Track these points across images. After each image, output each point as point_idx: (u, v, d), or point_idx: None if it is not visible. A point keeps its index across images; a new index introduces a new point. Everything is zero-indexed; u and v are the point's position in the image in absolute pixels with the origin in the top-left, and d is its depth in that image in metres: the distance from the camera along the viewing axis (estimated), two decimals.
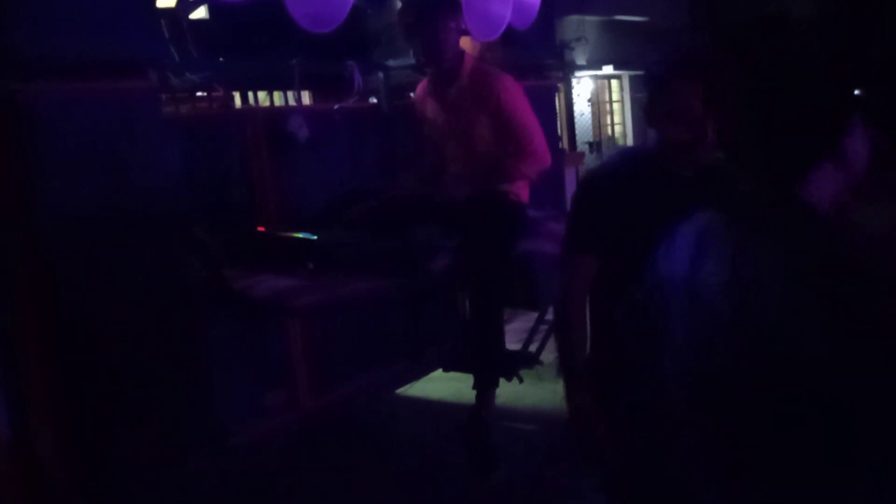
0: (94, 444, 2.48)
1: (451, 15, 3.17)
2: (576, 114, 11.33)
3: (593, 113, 12.40)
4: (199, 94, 3.46)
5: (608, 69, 12.50)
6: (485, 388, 3.17)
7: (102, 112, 2.47)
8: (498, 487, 3.08)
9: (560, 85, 4.73)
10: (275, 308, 2.69)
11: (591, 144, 11.66)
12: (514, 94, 3.15)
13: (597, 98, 12.60)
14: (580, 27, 11.27)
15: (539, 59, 4.50)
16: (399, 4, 3.94)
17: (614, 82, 13.16)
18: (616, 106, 13.31)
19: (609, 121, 13.20)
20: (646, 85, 1.80)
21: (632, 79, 13.22)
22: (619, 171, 1.91)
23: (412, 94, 3.83)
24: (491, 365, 3.21)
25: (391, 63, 3.92)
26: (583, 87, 11.73)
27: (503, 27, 3.63)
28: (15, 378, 2.39)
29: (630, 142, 13.40)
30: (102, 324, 2.46)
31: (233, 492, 2.83)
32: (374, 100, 3.95)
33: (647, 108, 1.83)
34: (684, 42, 1.82)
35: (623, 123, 13.38)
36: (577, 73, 11.16)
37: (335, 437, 3.52)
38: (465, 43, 3.44)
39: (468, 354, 3.34)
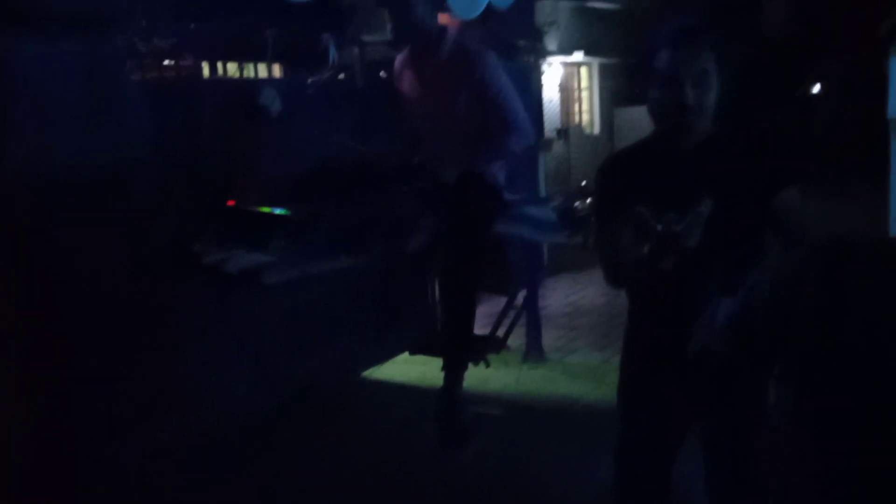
0: (60, 412, 2.40)
1: None
2: (544, 100, 11.32)
3: (562, 100, 12.39)
4: (167, 61, 3.34)
5: (578, 56, 12.49)
6: (454, 370, 3.14)
7: (70, 67, 2.38)
8: (467, 468, 3.06)
9: (535, 67, 4.69)
10: (245, 284, 2.62)
11: (558, 131, 11.65)
12: (497, 69, 3.10)
13: (566, 84, 12.59)
14: (553, 12, 11.23)
15: (518, 40, 4.45)
16: None
17: (583, 69, 13.16)
18: (584, 94, 13.32)
19: (577, 108, 13.21)
20: (648, 59, 1.75)
21: (601, 66, 13.23)
22: (633, 154, 1.92)
23: (383, 73, 3.76)
24: (462, 347, 3.18)
25: (367, 38, 3.84)
26: (553, 72, 11.71)
27: (483, 5, 3.57)
28: None
29: (597, 130, 13.44)
30: (65, 287, 2.38)
31: (198, 467, 2.76)
32: (342, 75, 3.86)
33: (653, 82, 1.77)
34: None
35: (591, 112, 13.40)
36: (548, 59, 11.13)
37: (300, 417, 3.46)
38: (444, 20, 3.37)
39: (439, 337, 3.31)
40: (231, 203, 3.04)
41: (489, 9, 3.70)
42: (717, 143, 1.79)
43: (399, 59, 3.44)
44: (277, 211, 2.81)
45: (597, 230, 1.89)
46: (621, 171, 1.90)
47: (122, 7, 2.60)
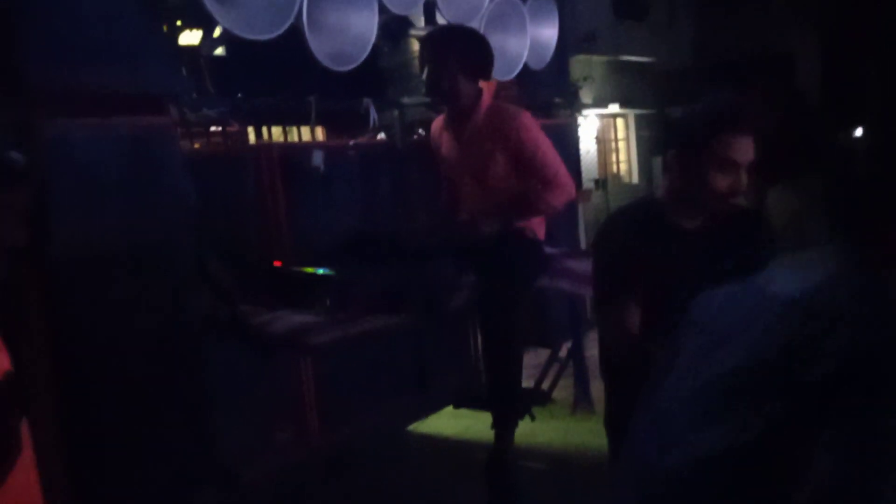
0: (100, 482, 2.44)
1: (467, 54, 3.19)
2: (582, 151, 11.39)
3: (599, 150, 12.46)
4: (214, 129, 3.47)
5: (614, 108, 12.60)
6: (505, 426, 3.13)
7: (122, 147, 2.48)
8: None
9: (572, 123, 4.76)
10: (291, 345, 2.67)
11: (597, 182, 11.68)
12: (534, 129, 3.16)
13: (602, 136, 12.68)
14: (587, 66, 11.38)
15: (553, 98, 4.53)
16: (415, 42, 3.98)
17: (619, 121, 13.26)
18: (622, 144, 13.39)
19: (615, 158, 13.26)
20: (685, 134, 1.77)
21: (637, 117, 13.32)
22: (631, 223, 1.90)
23: (421, 132, 3.85)
24: (511, 404, 3.18)
25: (406, 100, 3.94)
26: (589, 124, 11.81)
27: (520, 66, 3.66)
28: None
29: (636, 179, 13.44)
30: (115, 360, 2.44)
31: None
32: (382, 136, 3.96)
33: (686, 159, 1.79)
34: (720, 90, 1.81)
35: (628, 161, 13.44)
36: (584, 112, 11.24)
37: (344, 474, 3.47)
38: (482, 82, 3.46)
39: (484, 392, 3.31)
40: (278, 264, 3.11)
41: (525, 69, 3.79)
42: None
43: (437, 120, 3.52)
44: (321, 271, 2.87)
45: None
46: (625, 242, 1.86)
47: (173, 83, 2.71)
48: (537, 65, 3.90)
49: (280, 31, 2.76)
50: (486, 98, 3.28)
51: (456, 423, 4.15)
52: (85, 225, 2.37)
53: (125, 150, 2.49)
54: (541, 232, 3.34)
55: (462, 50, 3.18)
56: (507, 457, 3.10)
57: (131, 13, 2.47)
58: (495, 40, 3.55)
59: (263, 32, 2.71)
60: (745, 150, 1.73)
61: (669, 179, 1.84)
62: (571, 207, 4.40)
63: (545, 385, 3.81)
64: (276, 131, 4.08)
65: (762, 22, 12.69)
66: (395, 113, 3.88)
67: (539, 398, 3.69)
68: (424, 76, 3.24)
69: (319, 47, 2.79)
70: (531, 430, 3.82)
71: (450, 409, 3.99)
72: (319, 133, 4.29)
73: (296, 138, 4.38)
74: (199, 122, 3.20)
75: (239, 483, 2.90)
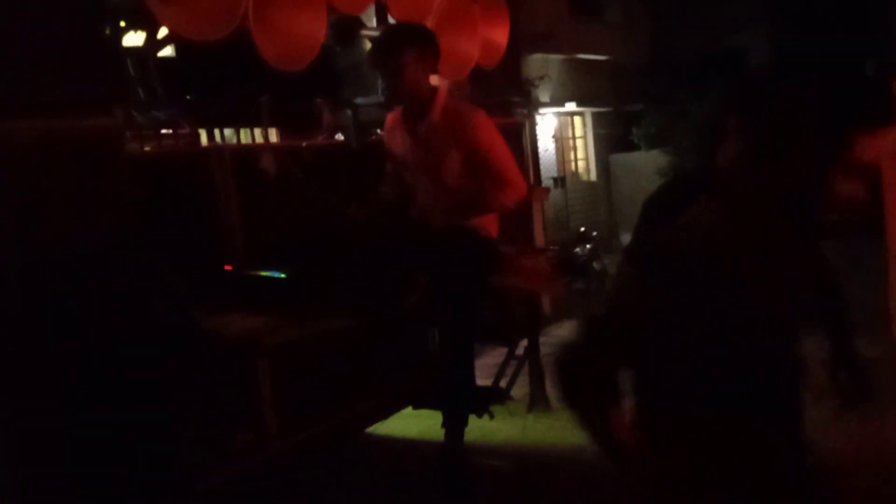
0: (55, 493, 2.39)
1: (421, 52, 3.20)
2: (540, 150, 11.47)
3: (557, 149, 12.56)
4: (164, 131, 3.42)
5: (571, 106, 12.70)
6: (455, 426, 3.14)
7: (66, 151, 2.43)
8: None
9: (525, 122, 4.78)
10: (246, 347, 2.64)
11: (555, 179, 11.78)
12: (487, 128, 3.19)
13: (560, 134, 12.77)
14: (544, 65, 11.46)
15: (505, 97, 4.56)
16: (367, 43, 3.97)
17: (577, 119, 13.37)
18: (579, 142, 13.50)
19: (573, 156, 13.37)
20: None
21: (594, 115, 13.44)
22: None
23: (379, 131, 3.84)
24: (462, 402, 3.18)
25: (360, 100, 3.93)
26: (546, 123, 11.89)
27: (471, 66, 3.67)
28: None
29: (594, 177, 13.57)
30: (63, 368, 2.40)
31: None
32: (340, 136, 3.95)
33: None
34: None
35: (586, 158, 13.56)
36: (541, 110, 11.32)
37: (303, 477, 3.45)
38: (434, 81, 3.47)
39: (438, 391, 3.31)
40: (228, 268, 3.08)
41: (477, 69, 3.80)
42: None
43: (390, 118, 3.52)
44: (274, 274, 2.85)
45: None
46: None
47: (119, 86, 2.67)
48: (489, 64, 3.92)
49: (225, 33, 2.74)
50: (441, 97, 3.29)
51: (416, 423, 4.16)
52: (24, 229, 2.33)
53: (69, 155, 2.44)
54: (493, 229, 3.36)
55: (417, 48, 3.19)
56: (458, 454, 3.12)
57: (70, 13, 2.42)
58: (446, 40, 3.56)
59: (209, 34, 2.68)
60: None
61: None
62: (526, 205, 4.42)
63: (503, 383, 3.82)
64: (229, 133, 4.04)
65: (716, 19, 12.91)
66: (350, 113, 3.87)
67: (497, 396, 3.71)
68: (380, 76, 3.25)
69: (266, 48, 2.77)
70: (490, 429, 3.85)
71: (409, 410, 3.99)
72: (273, 135, 4.24)
73: (249, 140, 4.33)
74: (149, 124, 3.15)
75: (196, 491, 2.86)
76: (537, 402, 4.48)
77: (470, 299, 3.12)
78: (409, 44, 3.19)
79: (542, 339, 4.42)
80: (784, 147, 1.44)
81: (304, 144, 3.57)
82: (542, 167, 10.37)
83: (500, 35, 4.19)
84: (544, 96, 11.70)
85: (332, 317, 2.83)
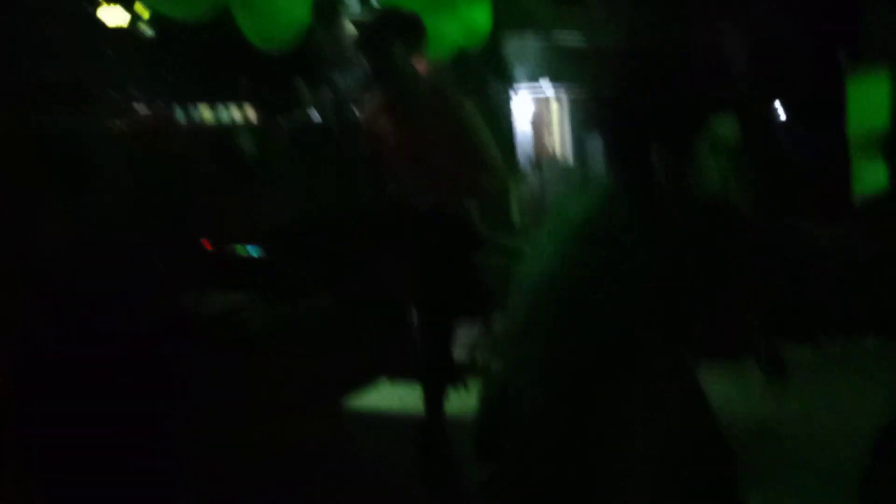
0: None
1: (408, 39, 3.20)
2: (517, 134, 11.49)
3: (534, 133, 12.56)
4: (143, 110, 3.41)
5: (549, 90, 12.71)
6: (436, 398, 3.19)
7: (44, 131, 2.41)
8: (456, 497, 3.08)
9: (505, 105, 4.81)
10: (224, 325, 2.66)
11: (532, 164, 11.81)
12: (471, 112, 3.20)
13: (538, 119, 12.78)
14: (523, 49, 11.45)
15: (487, 80, 4.57)
16: (348, 22, 3.96)
17: (554, 103, 13.37)
18: (556, 127, 13.52)
19: (550, 141, 13.39)
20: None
21: (571, 100, 13.45)
22: None
23: (356, 112, 3.84)
24: (441, 373, 3.24)
25: (339, 81, 3.92)
26: (524, 107, 11.90)
27: (453, 48, 3.68)
28: None
29: (570, 162, 13.62)
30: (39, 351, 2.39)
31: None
32: (317, 115, 3.94)
33: None
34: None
35: (563, 144, 13.59)
36: (519, 94, 11.32)
37: (281, 451, 3.48)
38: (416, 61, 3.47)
39: (417, 365, 3.35)
40: (206, 244, 3.08)
41: (459, 51, 3.81)
42: None
43: (372, 103, 3.52)
44: (252, 251, 2.86)
45: None
46: None
47: (99, 65, 2.65)
48: (470, 46, 3.93)
49: (208, 13, 2.72)
50: (425, 79, 3.29)
51: (392, 394, 4.20)
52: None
53: (48, 135, 2.42)
54: (474, 210, 3.39)
55: (404, 33, 3.19)
56: (438, 428, 3.16)
57: None
58: (428, 23, 3.55)
59: (190, 14, 2.67)
60: None
61: None
62: (504, 191, 4.45)
63: (478, 355, 3.88)
64: (207, 112, 4.02)
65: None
66: (329, 93, 3.86)
67: (472, 369, 3.76)
68: (366, 61, 3.24)
69: (248, 26, 2.76)
70: (464, 401, 3.88)
71: (386, 382, 4.03)
72: (251, 113, 4.23)
73: (226, 119, 4.31)
74: (127, 102, 3.14)
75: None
76: None
77: (449, 276, 3.15)
78: (397, 30, 3.19)
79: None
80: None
81: (282, 123, 3.56)
82: (519, 152, 10.40)
83: (481, 17, 4.19)
84: (522, 80, 11.70)
85: (315, 294, 2.84)
